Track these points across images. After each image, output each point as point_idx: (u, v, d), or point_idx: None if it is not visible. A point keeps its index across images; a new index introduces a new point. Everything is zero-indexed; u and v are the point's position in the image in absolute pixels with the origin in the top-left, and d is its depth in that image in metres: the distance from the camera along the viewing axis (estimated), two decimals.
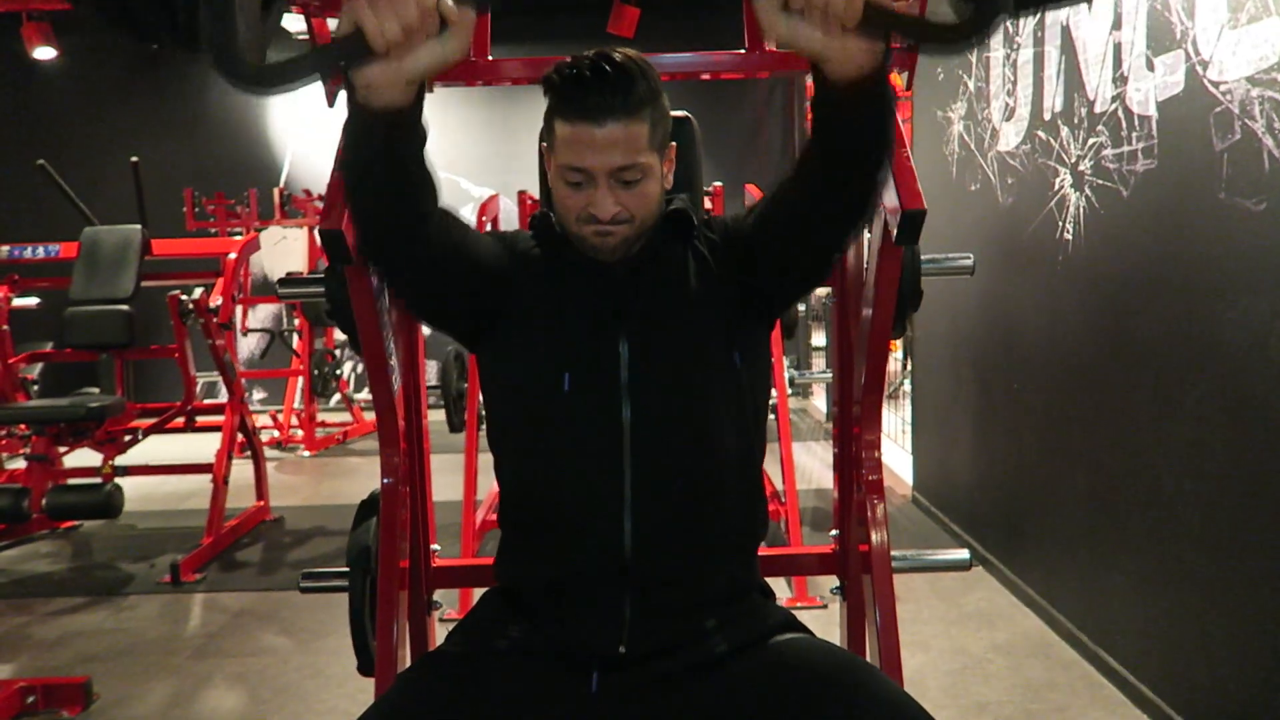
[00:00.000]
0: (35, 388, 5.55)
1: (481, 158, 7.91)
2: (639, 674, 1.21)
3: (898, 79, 1.77)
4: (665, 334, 1.26)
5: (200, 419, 4.46)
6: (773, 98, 8.28)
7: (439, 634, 1.71)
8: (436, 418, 2.56)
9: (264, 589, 3.55)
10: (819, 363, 7.33)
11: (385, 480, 1.68)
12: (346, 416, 7.17)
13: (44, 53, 6.28)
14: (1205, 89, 2.06)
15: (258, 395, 8.05)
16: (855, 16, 0.91)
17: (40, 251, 4.35)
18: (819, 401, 7.24)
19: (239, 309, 5.65)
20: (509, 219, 3.89)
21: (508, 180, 5.18)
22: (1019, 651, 2.78)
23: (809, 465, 5.35)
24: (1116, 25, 2.43)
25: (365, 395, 7.39)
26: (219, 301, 4.24)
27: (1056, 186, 2.79)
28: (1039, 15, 2.86)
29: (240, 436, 4.34)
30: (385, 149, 1.05)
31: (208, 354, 4.27)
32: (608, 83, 1.16)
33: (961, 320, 3.67)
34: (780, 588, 3.19)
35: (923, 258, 1.64)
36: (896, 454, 4.96)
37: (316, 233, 6.27)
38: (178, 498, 4.96)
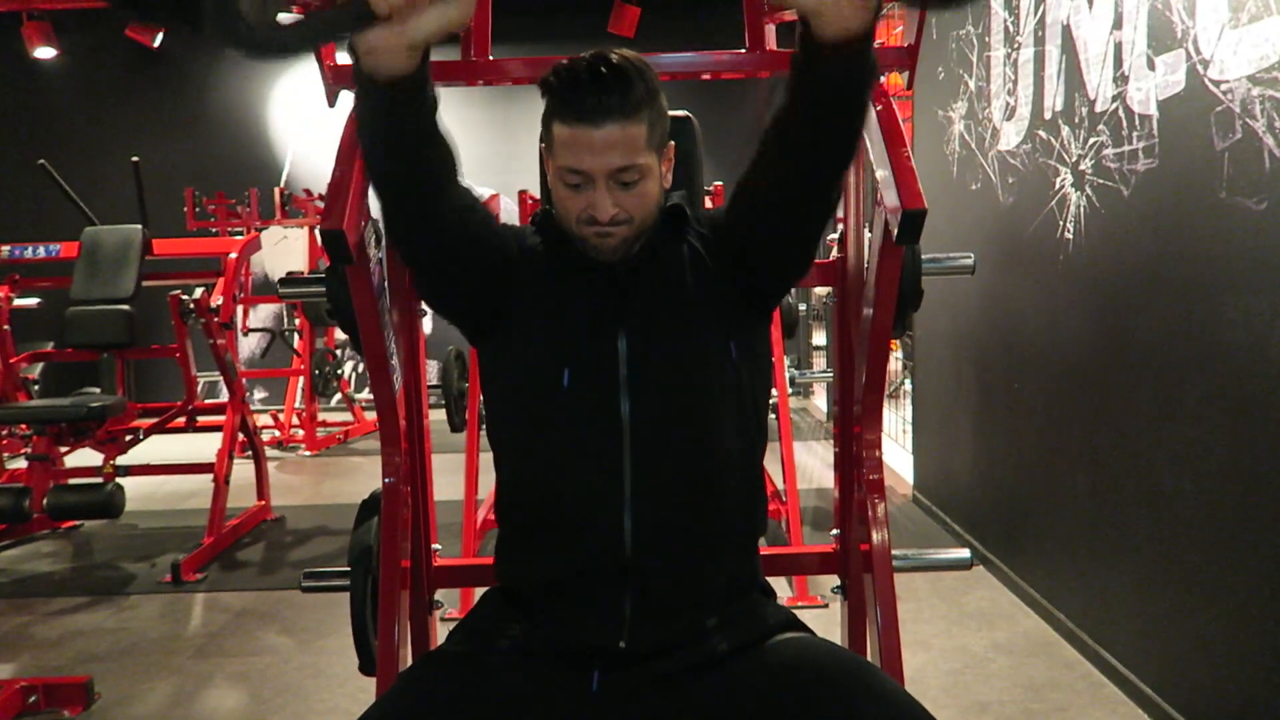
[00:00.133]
0: (36, 387, 5.55)
1: (482, 157, 7.91)
2: (640, 673, 1.21)
3: (898, 78, 1.78)
4: (664, 331, 1.26)
5: (201, 419, 4.46)
6: (773, 97, 8.27)
7: (440, 633, 1.71)
8: (437, 417, 2.56)
9: (265, 588, 3.55)
10: (819, 362, 7.33)
11: (386, 480, 1.69)
12: (347, 416, 7.17)
13: (44, 52, 6.28)
14: (1206, 88, 2.06)
15: (259, 395, 8.05)
16: None
17: (41, 251, 4.36)
18: (819, 401, 7.24)
19: (240, 309, 5.65)
20: (510, 219, 3.89)
21: (508, 180, 5.17)
22: (1020, 651, 2.78)
23: (810, 464, 5.35)
24: (1117, 24, 2.43)
25: (366, 395, 7.40)
26: (220, 301, 4.24)
27: (1057, 186, 2.79)
28: (1040, 13, 2.86)
29: (241, 436, 4.34)
30: (392, 117, 1.05)
31: (209, 354, 4.28)
32: (604, 85, 1.16)
33: (962, 320, 3.67)
34: (781, 587, 3.19)
35: (923, 257, 1.64)
36: (897, 453, 4.96)
37: (317, 232, 6.27)
38: (179, 497, 4.96)
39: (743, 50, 1.94)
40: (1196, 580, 2.16)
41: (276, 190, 6.67)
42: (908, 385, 5.40)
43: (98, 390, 4.31)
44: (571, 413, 1.25)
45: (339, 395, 7.09)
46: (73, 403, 3.92)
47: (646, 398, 1.24)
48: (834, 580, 1.90)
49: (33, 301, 4.71)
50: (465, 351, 3.54)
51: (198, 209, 6.54)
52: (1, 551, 4.14)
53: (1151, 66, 2.27)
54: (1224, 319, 2.02)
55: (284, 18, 0.94)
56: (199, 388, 4.50)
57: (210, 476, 4.08)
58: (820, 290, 5.52)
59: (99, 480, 3.80)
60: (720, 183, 3.97)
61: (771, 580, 1.41)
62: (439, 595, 1.89)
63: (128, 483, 3.79)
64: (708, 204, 3.67)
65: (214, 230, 6.50)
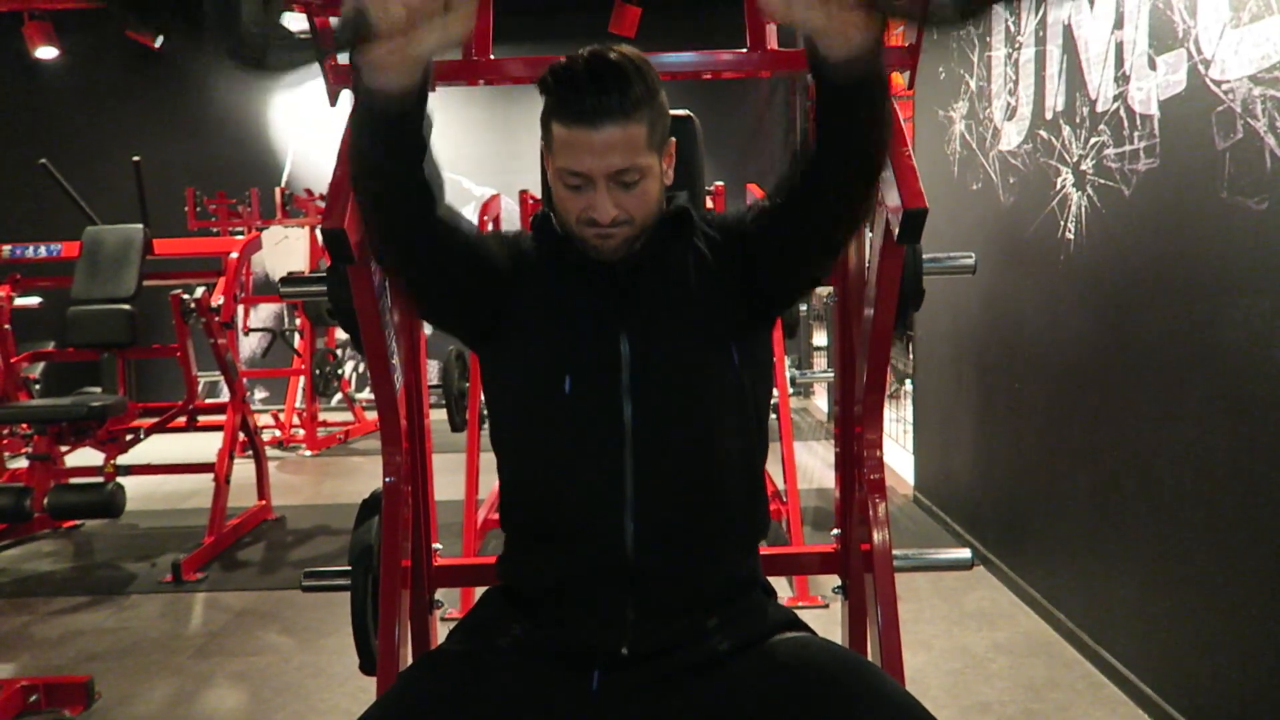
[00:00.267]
0: (37, 387, 5.55)
1: (482, 157, 7.91)
2: (640, 673, 1.21)
3: (899, 78, 1.77)
4: (666, 334, 1.26)
5: (202, 418, 4.46)
6: (774, 97, 8.27)
7: (440, 633, 1.71)
8: (438, 417, 2.56)
9: (266, 588, 3.55)
10: (820, 362, 7.33)
11: (387, 479, 1.69)
12: (348, 416, 7.17)
13: (46, 52, 6.28)
14: (1207, 88, 2.05)
15: (259, 395, 8.05)
16: None
17: (42, 251, 4.36)
18: (820, 401, 7.24)
19: (240, 308, 5.67)
20: (510, 218, 3.89)
21: (509, 179, 5.18)
22: (1020, 651, 2.78)
23: (810, 464, 5.34)
24: (1118, 24, 2.43)
25: (367, 394, 7.41)
26: (221, 301, 4.24)
27: (1058, 186, 2.79)
28: (1041, 13, 2.86)
29: (242, 436, 4.34)
30: (390, 133, 1.05)
31: (209, 353, 4.28)
32: (603, 85, 1.16)
33: (963, 319, 3.67)
34: (782, 587, 3.19)
35: (924, 257, 1.64)
36: (898, 453, 4.96)
37: (318, 232, 6.28)
38: (179, 497, 4.96)
39: (744, 49, 1.94)
40: (1197, 580, 2.16)
41: (277, 190, 6.67)
42: (908, 385, 5.40)
43: (98, 390, 4.31)
44: (573, 416, 1.24)
45: (340, 395, 7.10)
46: (73, 402, 3.92)
47: (648, 401, 1.23)
48: (835, 580, 1.90)
49: (34, 301, 4.71)
50: (466, 351, 3.54)
51: (199, 208, 6.54)
52: (2, 551, 4.14)
53: (1153, 66, 2.26)
54: (1225, 319, 2.02)
55: (290, 21, 0.95)
56: (200, 387, 4.50)
57: (211, 476, 4.09)
58: (821, 290, 5.52)
59: (100, 480, 3.80)
60: (721, 182, 3.96)
61: (772, 580, 1.40)
62: (439, 595, 1.89)
63: (128, 482, 3.79)
64: (708, 204, 3.66)
65: (215, 230, 6.50)
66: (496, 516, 3.45)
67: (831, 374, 3.88)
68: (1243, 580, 2.00)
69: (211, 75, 8.12)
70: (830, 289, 2.97)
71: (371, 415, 6.66)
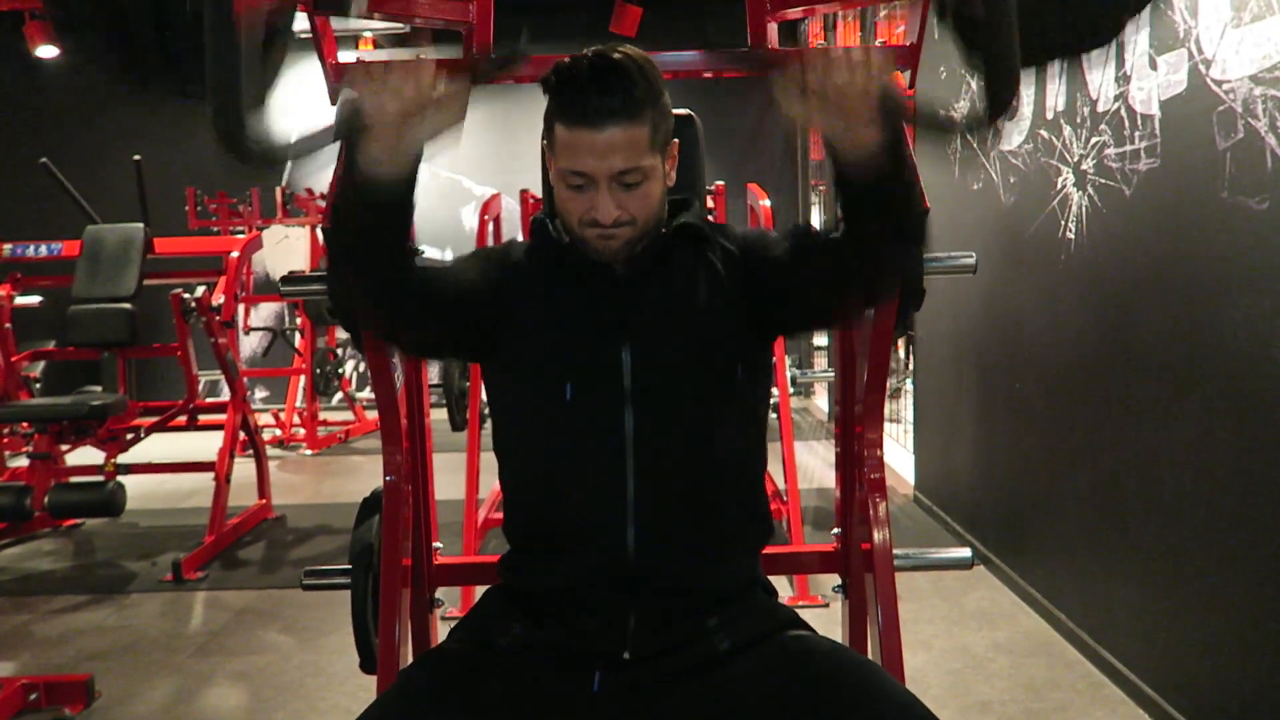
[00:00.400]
0: (38, 386, 5.56)
1: (483, 157, 7.91)
2: (641, 673, 1.21)
3: (900, 77, 1.77)
4: (669, 342, 1.25)
5: (202, 417, 4.47)
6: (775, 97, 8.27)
7: (441, 632, 1.71)
8: (439, 416, 2.56)
9: (266, 587, 3.55)
10: (820, 362, 7.33)
11: (387, 478, 1.69)
12: (348, 415, 7.17)
13: (47, 51, 6.28)
14: (1208, 88, 2.05)
15: (260, 394, 8.05)
16: (871, 107, 0.96)
17: (43, 250, 4.36)
18: (821, 401, 7.24)
19: (241, 307, 5.66)
20: (511, 218, 3.89)
21: (509, 180, 5.18)
22: (1021, 650, 2.78)
23: (811, 464, 5.34)
24: None
25: (367, 394, 7.40)
26: (221, 300, 4.24)
27: (1059, 185, 2.79)
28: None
29: (242, 435, 4.34)
30: (379, 216, 1.08)
31: (210, 352, 4.28)
32: (606, 85, 1.15)
33: (963, 319, 3.67)
34: (782, 586, 3.19)
35: (924, 256, 1.63)
36: (898, 453, 4.96)
37: (319, 231, 6.28)
38: (180, 496, 4.96)
39: (745, 49, 1.94)
40: (1198, 580, 2.16)
41: (278, 189, 6.67)
42: (909, 385, 5.40)
43: (99, 389, 4.32)
44: (574, 423, 1.24)
45: (340, 394, 7.09)
46: (74, 401, 3.92)
47: (650, 410, 1.23)
48: (835, 579, 1.90)
49: (34, 300, 4.71)
50: None
51: (199, 208, 6.54)
52: (3, 550, 4.14)
53: (1153, 66, 2.26)
54: (1226, 319, 2.02)
55: (288, 132, 1.00)
56: (200, 386, 4.50)
57: (211, 475, 4.08)
58: None
59: (100, 479, 3.80)
60: (721, 182, 3.96)
61: (772, 579, 1.40)
62: (440, 594, 1.89)
63: (129, 481, 3.80)
64: (709, 203, 3.66)
65: (215, 229, 6.49)
66: (497, 516, 3.45)
67: (831, 374, 3.88)
68: (1243, 580, 2.00)
69: None
70: None
71: (372, 414, 6.65)
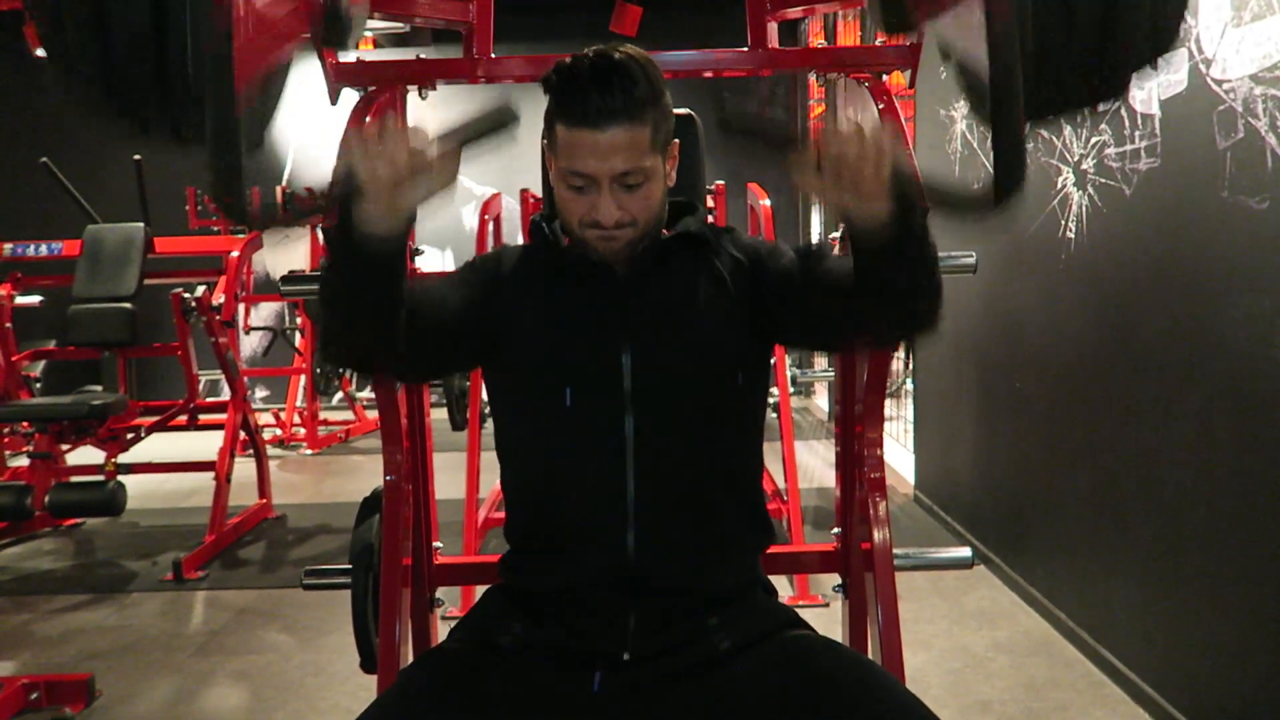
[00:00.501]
0: (38, 385, 5.55)
1: (483, 156, 7.90)
2: (642, 672, 1.21)
3: (900, 77, 1.77)
4: (669, 345, 1.25)
5: (203, 417, 4.47)
6: (775, 96, 8.27)
7: (441, 631, 1.71)
8: (439, 416, 2.56)
9: (266, 586, 3.55)
10: (820, 362, 7.30)
11: (388, 478, 1.69)
12: (349, 414, 7.17)
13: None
14: (1208, 87, 2.05)
15: (260, 393, 8.04)
16: (883, 185, 0.99)
17: (43, 249, 4.36)
18: (821, 400, 7.24)
19: (241, 307, 5.66)
20: (511, 218, 3.89)
21: (509, 179, 5.17)
22: (1021, 650, 2.78)
23: (811, 464, 5.34)
24: None
25: (368, 393, 7.39)
26: (222, 299, 4.24)
27: (1059, 185, 2.79)
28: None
29: (243, 434, 4.34)
30: (374, 276, 1.10)
31: (210, 352, 4.28)
32: (607, 85, 1.15)
33: (964, 319, 3.67)
34: (782, 586, 3.19)
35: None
36: (898, 452, 4.96)
37: (319, 231, 6.27)
38: (180, 495, 4.96)
39: (745, 48, 1.94)
40: (1198, 579, 2.16)
41: (278, 189, 6.66)
42: (909, 384, 5.40)
43: (99, 388, 4.31)
44: (574, 427, 1.24)
45: (340, 394, 7.09)
46: (74, 401, 3.92)
47: (650, 413, 1.23)
48: (835, 579, 1.90)
49: (35, 299, 4.71)
50: None
51: (199, 207, 6.53)
52: (3, 549, 4.14)
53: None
54: (1226, 318, 2.02)
55: (286, 196, 1.05)
56: (200, 386, 4.50)
57: (211, 475, 4.08)
58: None
59: (100, 478, 3.80)
60: (721, 182, 3.96)
61: (772, 579, 1.40)
62: (440, 593, 1.89)
63: (129, 481, 3.80)
64: (709, 203, 3.66)
65: (216, 229, 6.48)
66: (497, 516, 3.45)
67: (831, 373, 3.88)
68: (1244, 579, 2.00)
69: None
70: None
71: (372, 414, 6.65)
